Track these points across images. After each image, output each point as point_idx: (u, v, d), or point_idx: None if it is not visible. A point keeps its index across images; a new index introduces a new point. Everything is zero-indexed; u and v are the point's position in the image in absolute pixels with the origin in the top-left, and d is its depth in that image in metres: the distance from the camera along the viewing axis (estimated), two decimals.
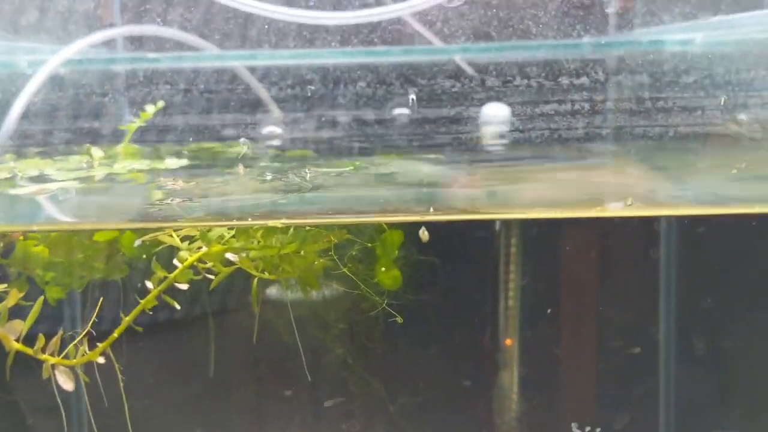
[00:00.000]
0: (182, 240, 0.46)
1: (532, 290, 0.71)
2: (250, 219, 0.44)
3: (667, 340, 0.87)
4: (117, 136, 0.85)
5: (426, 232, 0.47)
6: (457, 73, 0.96)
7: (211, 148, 0.79)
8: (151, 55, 0.94)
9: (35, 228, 0.49)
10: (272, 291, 0.54)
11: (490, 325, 0.70)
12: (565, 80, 0.97)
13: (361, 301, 0.56)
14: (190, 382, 0.66)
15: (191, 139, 0.83)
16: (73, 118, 0.97)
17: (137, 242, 0.48)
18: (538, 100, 0.95)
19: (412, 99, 0.83)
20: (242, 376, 0.68)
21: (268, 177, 0.56)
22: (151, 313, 0.51)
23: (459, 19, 0.97)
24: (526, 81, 0.96)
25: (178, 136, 0.87)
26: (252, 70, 0.97)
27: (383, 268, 0.51)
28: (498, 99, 1.03)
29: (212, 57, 0.94)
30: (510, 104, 1.04)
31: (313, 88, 0.86)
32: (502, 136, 0.98)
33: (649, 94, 0.92)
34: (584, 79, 0.98)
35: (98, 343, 0.49)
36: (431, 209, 0.44)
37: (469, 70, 1.04)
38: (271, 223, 0.44)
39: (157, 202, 0.47)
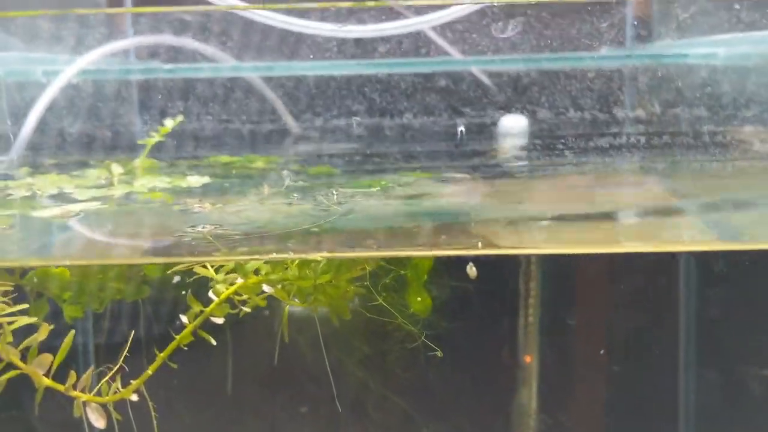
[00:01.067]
0: (216, 270, 0.45)
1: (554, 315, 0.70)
2: (288, 252, 0.42)
3: (686, 368, 0.86)
4: (133, 148, 0.84)
5: (474, 269, 0.46)
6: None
7: (230, 162, 0.78)
8: (166, 66, 0.93)
9: (67, 262, 0.48)
10: (300, 311, 0.53)
11: (513, 349, 0.69)
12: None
13: (394, 329, 0.55)
14: (212, 404, 0.65)
15: (208, 153, 0.82)
16: (88, 129, 0.96)
17: (175, 279, 0.46)
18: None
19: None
20: (266, 396, 0.67)
21: (295, 197, 0.55)
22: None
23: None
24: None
25: (194, 149, 0.86)
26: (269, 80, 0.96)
27: (414, 295, 0.49)
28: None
29: (228, 68, 0.93)
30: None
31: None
32: (521, 148, 0.96)
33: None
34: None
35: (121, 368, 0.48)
36: (479, 244, 0.43)
37: (488, 83, 1.03)
38: (311, 256, 0.43)
39: (189, 230, 0.45)
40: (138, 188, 0.62)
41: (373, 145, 0.91)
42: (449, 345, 0.54)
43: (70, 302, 0.56)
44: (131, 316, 0.61)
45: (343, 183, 0.63)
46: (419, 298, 0.50)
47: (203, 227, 0.45)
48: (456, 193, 0.64)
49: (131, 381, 0.46)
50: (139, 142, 0.74)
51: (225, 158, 0.79)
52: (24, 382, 0.47)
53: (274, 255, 0.42)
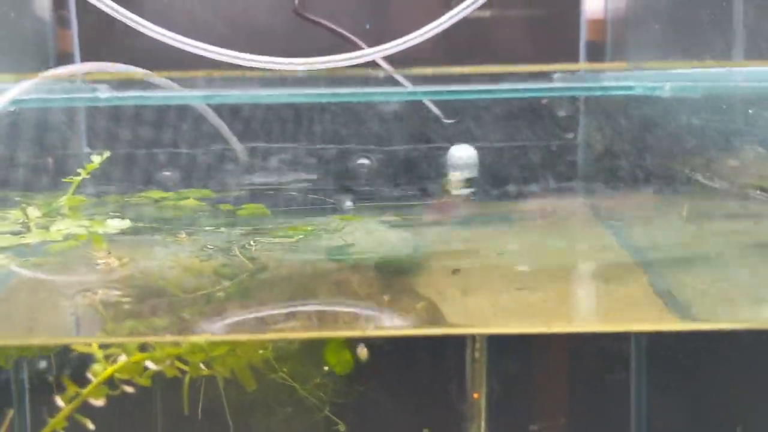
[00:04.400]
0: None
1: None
2: (174, 331, 0.40)
3: None
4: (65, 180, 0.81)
5: (365, 350, 0.43)
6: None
7: (162, 199, 0.76)
8: (106, 94, 0.90)
9: None
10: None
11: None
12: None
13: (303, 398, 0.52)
14: None
15: (140, 187, 0.79)
16: (28, 161, 0.92)
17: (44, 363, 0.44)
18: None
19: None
20: None
21: (210, 249, 0.52)
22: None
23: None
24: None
25: (130, 182, 0.84)
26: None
27: (333, 353, 0.47)
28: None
29: (174, 97, 0.90)
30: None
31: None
32: (469, 181, 0.95)
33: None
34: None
35: None
36: (373, 325, 0.41)
37: (438, 113, 1.01)
38: (194, 339, 0.40)
39: (79, 299, 0.43)
40: (54, 235, 0.59)
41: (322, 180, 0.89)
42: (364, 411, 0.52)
43: None
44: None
45: (268, 229, 0.60)
46: (338, 357, 0.47)
47: (95, 293, 0.42)
48: (392, 241, 0.61)
49: None
50: (65, 180, 0.71)
51: (156, 194, 0.77)
52: None
53: (156, 337, 0.40)
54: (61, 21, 1.12)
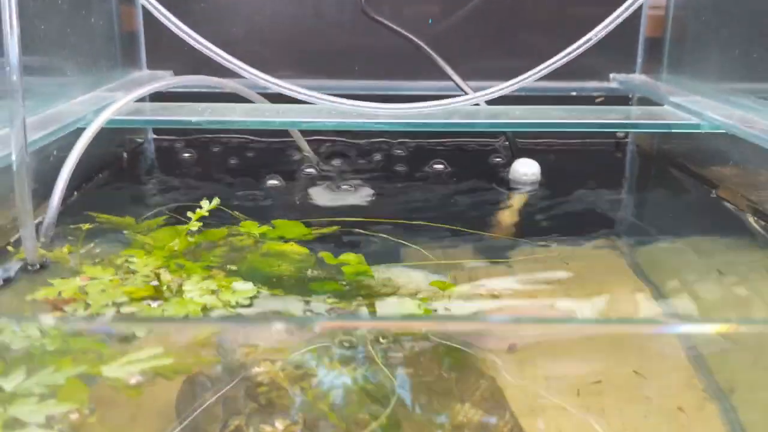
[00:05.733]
0: None
1: None
2: None
3: None
4: None
5: None
6: None
7: (263, 236, 0.81)
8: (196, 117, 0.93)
9: None
10: None
11: None
12: None
13: None
14: None
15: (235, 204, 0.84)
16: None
17: None
18: None
19: None
20: None
21: (346, 347, 0.58)
22: None
23: None
24: None
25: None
26: None
27: None
28: None
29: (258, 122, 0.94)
30: None
31: None
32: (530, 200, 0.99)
33: None
34: None
35: None
36: None
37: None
38: None
39: None
40: (192, 307, 0.65)
41: None
42: None
43: None
44: None
45: (375, 294, 0.66)
46: None
47: None
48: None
49: None
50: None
51: (253, 227, 0.82)
52: None
53: None
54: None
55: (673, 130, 0.94)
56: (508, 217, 0.94)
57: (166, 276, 0.69)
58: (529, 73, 0.81)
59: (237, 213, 0.88)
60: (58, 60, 0.94)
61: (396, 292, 0.70)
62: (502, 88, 0.81)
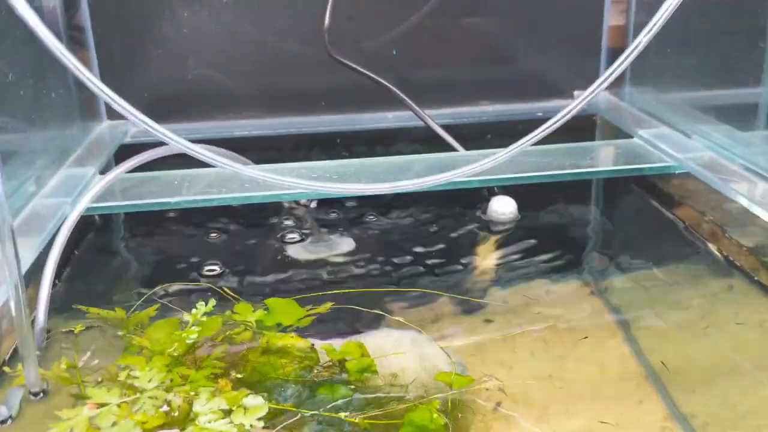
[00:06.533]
0: None
1: None
2: None
3: None
4: None
5: None
6: None
7: (261, 324, 0.81)
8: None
9: None
10: None
11: None
12: None
13: None
14: None
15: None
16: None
17: None
18: None
19: None
20: None
21: None
22: None
23: None
24: None
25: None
26: None
27: None
28: None
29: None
30: None
31: None
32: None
33: None
34: None
35: None
36: None
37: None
38: None
39: None
40: None
41: None
42: None
43: None
44: None
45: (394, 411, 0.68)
46: None
47: None
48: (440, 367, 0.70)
49: None
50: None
51: (248, 311, 0.82)
52: None
53: None
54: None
55: (645, 173, 0.97)
56: (487, 264, 0.97)
57: (176, 400, 0.69)
58: (524, 139, 0.81)
59: (226, 290, 0.88)
60: (21, 133, 0.90)
61: (407, 392, 0.72)
62: (497, 157, 0.81)
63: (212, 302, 0.81)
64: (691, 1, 0.73)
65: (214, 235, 1.04)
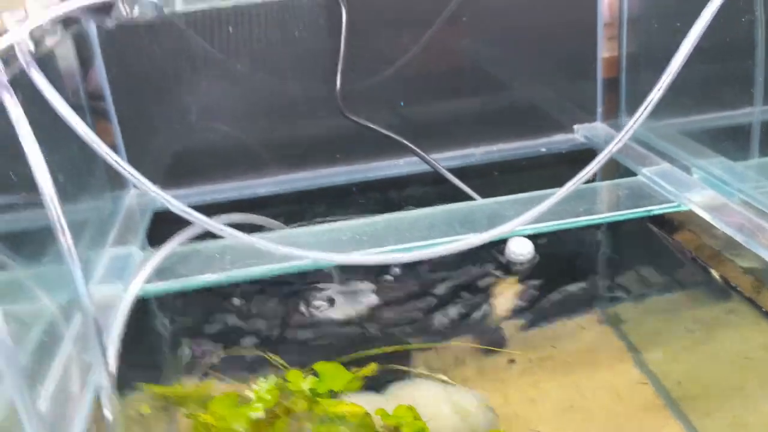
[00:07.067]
0: None
1: None
2: None
3: None
4: None
5: None
6: None
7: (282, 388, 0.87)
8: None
9: None
10: None
11: None
12: None
13: None
14: None
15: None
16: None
17: None
18: None
19: None
20: None
21: None
22: None
23: None
24: None
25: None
26: None
27: None
28: None
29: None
30: None
31: None
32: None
33: None
34: None
35: None
36: None
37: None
38: None
39: None
40: None
41: None
42: None
43: None
44: None
45: None
46: None
47: None
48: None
49: None
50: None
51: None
52: None
53: None
54: None
55: (653, 213, 1.03)
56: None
57: None
58: (574, 179, 0.87)
59: (274, 357, 0.94)
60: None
61: None
62: (551, 202, 0.87)
63: (272, 379, 0.86)
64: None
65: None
